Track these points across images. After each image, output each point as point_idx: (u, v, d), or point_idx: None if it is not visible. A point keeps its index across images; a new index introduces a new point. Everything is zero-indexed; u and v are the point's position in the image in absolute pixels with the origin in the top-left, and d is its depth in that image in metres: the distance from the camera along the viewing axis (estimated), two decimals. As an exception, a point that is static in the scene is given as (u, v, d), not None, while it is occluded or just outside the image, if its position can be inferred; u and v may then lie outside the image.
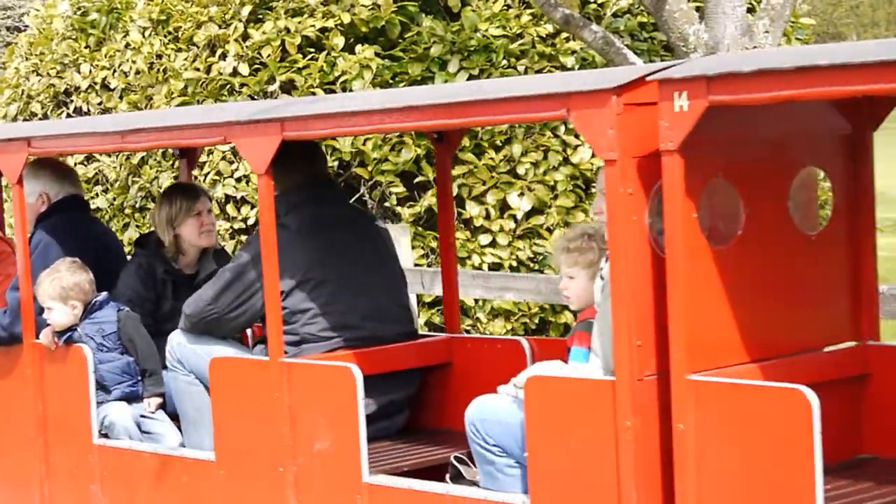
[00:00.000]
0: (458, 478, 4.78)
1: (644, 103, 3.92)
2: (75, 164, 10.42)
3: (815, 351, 4.43)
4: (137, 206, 10.06)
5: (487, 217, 9.07)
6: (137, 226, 9.98)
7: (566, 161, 9.24)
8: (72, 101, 10.68)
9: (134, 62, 10.14)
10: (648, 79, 3.92)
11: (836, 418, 4.31)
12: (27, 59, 11.32)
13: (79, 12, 10.94)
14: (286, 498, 4.90)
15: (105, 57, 10.46)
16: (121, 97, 10.22)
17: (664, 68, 3.88)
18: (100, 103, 10.42)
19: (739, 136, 4.20)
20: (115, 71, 10.35)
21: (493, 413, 4.54)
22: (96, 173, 10.40)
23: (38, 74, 11.08)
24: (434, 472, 4.87)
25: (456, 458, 4.81)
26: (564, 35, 9.43)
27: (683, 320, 3.89)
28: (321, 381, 4.83)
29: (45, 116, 10.79)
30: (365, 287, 5.34)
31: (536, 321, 8.94)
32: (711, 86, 3.73)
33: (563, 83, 4.04)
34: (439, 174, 5.54)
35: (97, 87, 10.49)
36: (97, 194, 10.28)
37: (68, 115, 10.59)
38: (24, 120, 10.87)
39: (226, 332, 5.44)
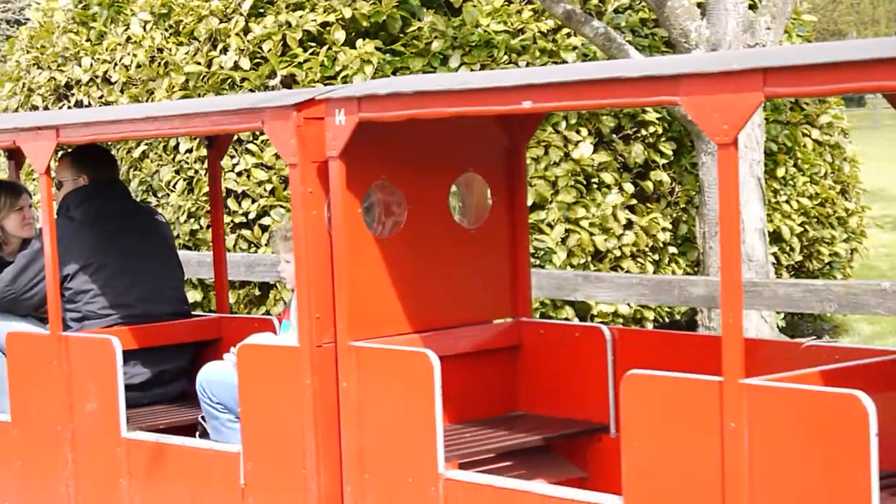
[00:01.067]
0: (204, 435, 5.65)
1: (320, 118, 4.77)
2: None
3: (475, 325, 5.37)
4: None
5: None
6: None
7: (567, 157, 9.24)
8: (73, 94, 10.69)
9: (135, 56, 10.15)
10: (318, 98, 4.76)
11: (494, 381, 5.44)
12: (28, 52, 11.32)
13: (80, 5, 10.94)
14: (65, 456, 5.78)
15: (106, 50, 10.46)
16: (122, 91, 10.22)
17: (335, 90, 4.74)
18: (101, 97, 10.42)
19: (404, 145, 5.07)
20: (116, 64, 10.36)
21: (216, 375, 5.48)
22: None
23: (39, 68, 11.08)
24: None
25: (202, 417, 5.64)
26: (566, 31, 9.44)
27: (346, 297, 4.78)
28: (90, 352, 5.64)
29: (46, 109, 10.79)
30: (141, 272, 6.15)
31: (538, 316, 8.94)
32: (361, 105, 4.61)
33: (259, 100, 4.94)
34: (210, 176, 6.20)
35: (98, 81, 10.49)
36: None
37: (68, 108, 10.59)
38: (25, 112, 10.88)
39: (24, 311, 6.23)
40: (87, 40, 10.72)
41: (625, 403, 4.08)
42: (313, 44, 9.42)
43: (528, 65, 9.27)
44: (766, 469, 3.78)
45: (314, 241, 4.88)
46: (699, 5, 8.66)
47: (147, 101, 9.92)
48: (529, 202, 9.04)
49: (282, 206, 9.23)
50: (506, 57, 9.30)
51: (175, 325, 6.27)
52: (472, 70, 9.17)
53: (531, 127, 5.61)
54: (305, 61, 9.28)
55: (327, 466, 4.89)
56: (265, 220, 9.27)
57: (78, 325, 6.03)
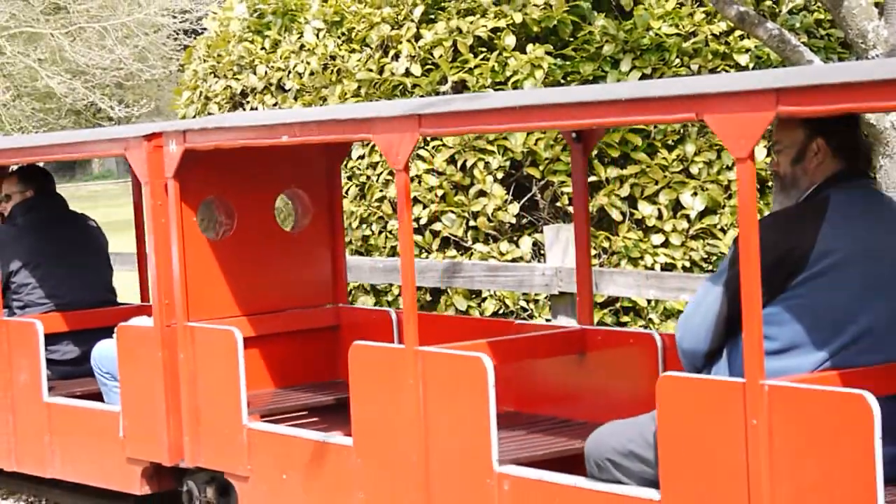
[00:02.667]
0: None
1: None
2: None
3: (299, 309, 6.99)
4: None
5: (660, 217, 8.99)
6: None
7: (740, 160, 9.09)
8: (248, 101, 10.88)
9: (308, 63, 10.28)
10: (160, 131, 6.32)
11: (316, 355, 7.08)
12: (205, 61, 11.55)
13: (255, 14, 11.13)
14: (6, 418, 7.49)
15: (280, 58, 10.62)
16: (295, 98, 10.36)
17: (171, 127, 6.29)
18: (275, 104, 10.58)
19: (234, 166, 6.64)
20: (289, 72, 10.51)
21: (105, 351, 7.11)
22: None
23: (215, 76, 11.30)
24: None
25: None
26: (738, 33, 9.31)
27: (182, 288, 6.33)
28: (19, 334, 7.33)
29: (222, 117, 11.00)
30: (73, 267, 7.79)
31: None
32: (186, 136, 6.15)
33: (122, 132, 6.68)
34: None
35: (272, 89, 10.66)
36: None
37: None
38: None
39: None
40: (262, 49, 10.90)
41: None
42: (484, 49, 9.45)
43: (700, 68, 9.16)
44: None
45: (163, 244, 6.38)
46: (877, 5, 8.46)
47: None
48: (702, 206, 8.95)
49: (452, 212, 9.26)
50: (678, 60, 9.21)
51: (100, 313, 7.81)
52: (643, 74, 9.11)
53: (342, 152, 7.18)
54: (476, 67, 9.31)
55: (174, 420, 6.38)
56: (436, 226, 9.32)
57: (21, 311, 7.72)
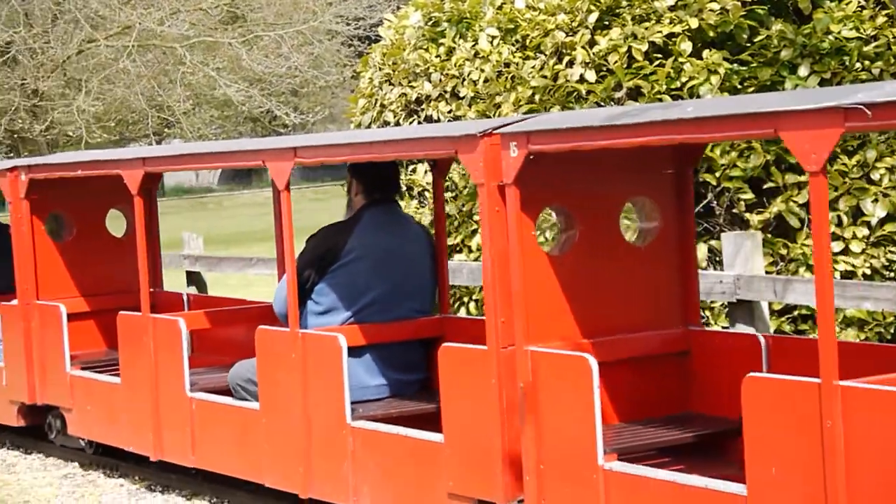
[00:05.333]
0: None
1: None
2: (425, 172, 10.69)
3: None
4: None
5: (840, 224, 8.83)
6: (485, 231, 10.15)
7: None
8: (422, 109, 10.96)
9: (482, 70, 10.33)
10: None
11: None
12: (380, 69, 11.67)
13: (429, 23, 11.21)
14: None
15: (454, 65, 10.69)
16: (469, 105, 10.42)
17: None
18: (449, 111, 10.65)
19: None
20: (463, 79, 10.57)
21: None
22: (446, 180, 10.63)
23: (390, 84, 11.41)
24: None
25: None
26: (922, 35, 9.10)
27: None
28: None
29: (398, 125, 11.10)
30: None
31: (892, 330, 8.65)
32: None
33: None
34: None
35: (447, 96, 10.73)
36: (447, 201, 10.51)
37: (418, 123, 10.86)
38: (377, 128, 11.21)
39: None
40: (437, 56, 10.98)
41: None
42: (659, 55, 9.39)
43: (881, 73, 8.98)
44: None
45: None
46: None
47: (494, 115, 10.08)
48: (883, 213, 8.77)
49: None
50: (858, 64, 9.03)
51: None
52: (822, 79, 8.95)
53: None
54: (651, 73, 9.25)
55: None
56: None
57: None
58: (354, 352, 6.96)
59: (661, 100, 8.98)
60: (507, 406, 5.65)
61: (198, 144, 7.84)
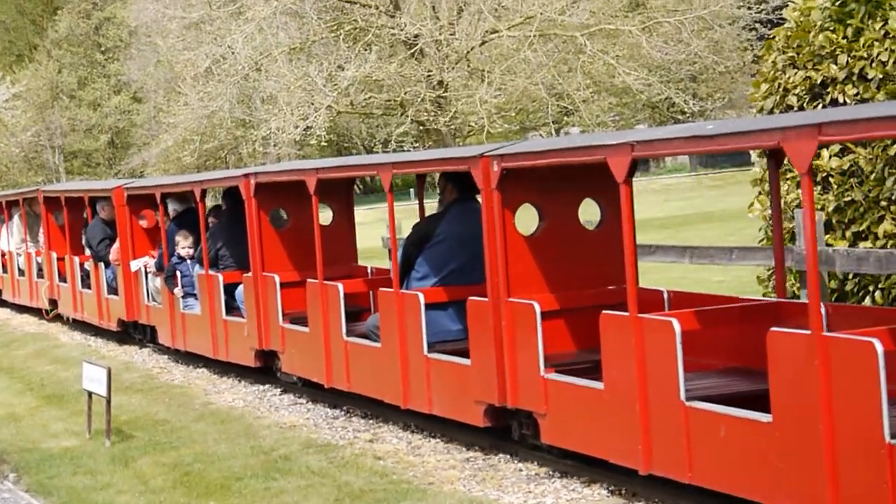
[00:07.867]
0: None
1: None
2: (830, 157, 10.34)
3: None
4: (893, 198, 9.82)
5: None
6: (893, 218, 9.74)
7: None
8: (827, 92, 10.61)
9: (893, 51, 9.89)
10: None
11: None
12: (784, 52, 11.36)
13: (837, 3, 10.83)
14: None
15: (863, 47, 10.29)
16: (878, 88, 10.01)
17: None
18: (856, 94, 10.26)
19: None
20: (872, 61, 10.16)
21: None
22: (851, 165, 10.26)
23: (794, 67, 11.09)
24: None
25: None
26: None
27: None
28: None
29: (801, 109, 10.78)
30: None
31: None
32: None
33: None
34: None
35: (854, 78, 10.35)
36: (851, 186, 10.13)
37: (822, 108, 10.52)
38: (780, 113, 10.92)
39: None
40: (844, 37, 10.60)
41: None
42: None
43: None
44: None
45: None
46: None
47: None
48: None
49: None
50: None
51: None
52: None
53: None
54: None
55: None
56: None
57: None
58: (441, 306, 10.03)
59: None
60: None
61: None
